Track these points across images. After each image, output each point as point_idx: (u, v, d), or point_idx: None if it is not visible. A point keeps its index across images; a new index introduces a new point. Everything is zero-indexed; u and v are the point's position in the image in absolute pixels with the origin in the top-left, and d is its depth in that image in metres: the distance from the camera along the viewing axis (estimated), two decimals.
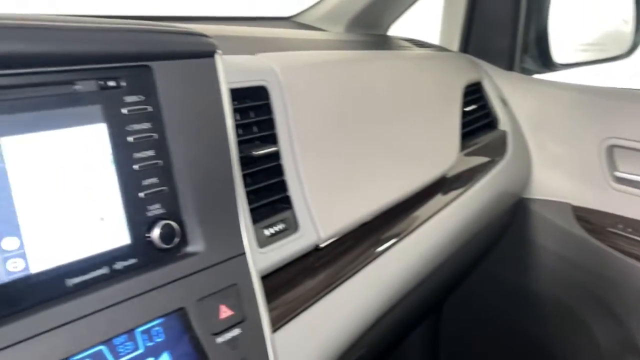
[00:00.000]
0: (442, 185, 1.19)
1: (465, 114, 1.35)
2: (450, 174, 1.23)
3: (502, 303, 1.67)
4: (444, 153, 1.20)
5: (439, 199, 1.14)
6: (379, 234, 0.93)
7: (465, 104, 1.37)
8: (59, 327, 0.47)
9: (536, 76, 1.68)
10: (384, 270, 0.91)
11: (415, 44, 1.56)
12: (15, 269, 0.46)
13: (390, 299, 0.95)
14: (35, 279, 0.47)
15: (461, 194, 1.21)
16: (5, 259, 0.45)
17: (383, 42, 1.52)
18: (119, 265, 0.53)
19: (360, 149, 0.92)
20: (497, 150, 1.43)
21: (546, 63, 1.69)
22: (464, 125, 1.33)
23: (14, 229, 0.46)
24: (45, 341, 0.46)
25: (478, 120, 1.44)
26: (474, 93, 1.46)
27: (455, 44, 1.68)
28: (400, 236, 0.97)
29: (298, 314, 0.72)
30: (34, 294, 0.47)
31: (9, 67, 0.45)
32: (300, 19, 1.76)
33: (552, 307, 1.58)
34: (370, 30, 1.72)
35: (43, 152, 0.48)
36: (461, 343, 1.78)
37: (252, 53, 0.85)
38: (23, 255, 0.46)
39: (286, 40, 1.20)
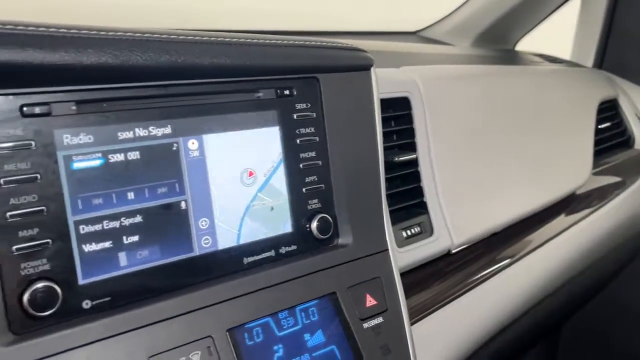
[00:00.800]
0: (572, 202, 1.18)
1: (598, 132, 1.32)
2: (580, 191, 1.21)
3: (627, 331, 1.59)
4: (576, 170, 1.18)
5: (567, 217, 1.13)
6: (507, 246, 0.94)
7: (599, 121, 1.34)
8: (237, 297, 0.55)
9: None
10: (510, 282, 0.92)
11: (547, 59, 1.55)
12: (206, 244, 0.55)
13: (513, 312, 0.96)
14: (220, 255, 0.56)
15: (591, 213, 1.19)
16: (200, 236, 0.54)
17: (514, 57, 1.52)
18: (283, 249, 0.60)
19: (494, 161, 0.94)
20: (632, 169, 1.38)
21: None
22: (597, 142, 1.30)
23: (208, 211, 0.55)
24: (228, 308, 0.54)
25: (612, 138, 1.40)
26: (608, 110, 1.42)
27: (589, 60, 1.63)
28: (527, 250, 0.98)
29: (430, 313, 0.76)
30: (219, 267, 0.56)
31: (211, 77, 0.55)
32: (426, 34, 1.80)
33: None
34: (498, 45, 1.72)
35: (231, 149, 0.57)
36: None
37: (392, 66, 0.91)
38: (212, 234, 0.55)
39: (419, 55, 1.25)
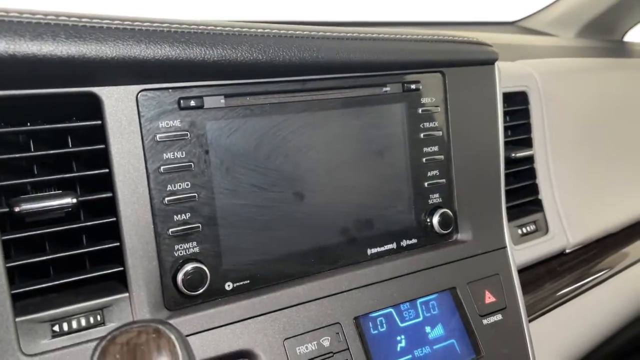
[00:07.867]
0: None
1: None
2: None
3: None
4: None
5: None
6: (623, 247, 0.90)
7: None
8: (362, 287, 0.56)
9: None
10: (626, 286, 0.88)
11: None
12: None
13: (629, 316, 0.92)
14: (347, 245, 0.57)
15: None
16: None
17: (627, 50, 1.44)
18: (404, 242, 0.61)
19: (613, 159, 0.90)
20: None
21: None
22: None
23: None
24: (354, 297, 0.56)
25: None
26: None
27: None
28: None
29: (544, 313, 0.74)
30: (345, 256, 0.57)
31: (345, 71, 0.56)
32: (525, 24, 1.73)
33: None
34: (605, 36, 1.62)
35: (358, 142, 0.58)
36: None
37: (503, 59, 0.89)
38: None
39: (526, 47, 1.21)
